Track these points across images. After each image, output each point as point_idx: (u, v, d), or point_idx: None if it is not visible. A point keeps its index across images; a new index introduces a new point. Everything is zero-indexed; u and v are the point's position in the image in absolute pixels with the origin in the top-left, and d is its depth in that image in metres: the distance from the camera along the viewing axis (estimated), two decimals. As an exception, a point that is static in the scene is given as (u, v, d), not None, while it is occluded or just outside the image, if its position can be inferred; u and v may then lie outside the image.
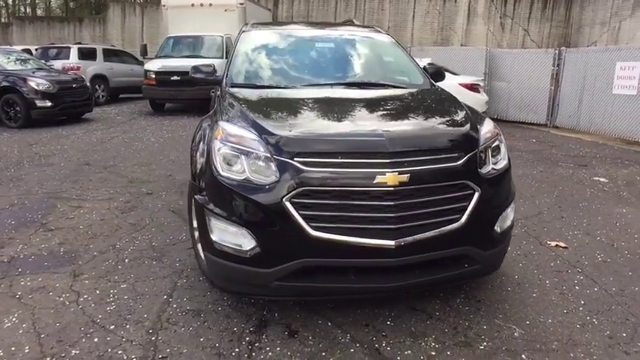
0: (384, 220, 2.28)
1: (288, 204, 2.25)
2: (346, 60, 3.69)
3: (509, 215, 2.74)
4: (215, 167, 2.43)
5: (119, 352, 2.31)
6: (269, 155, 2.34)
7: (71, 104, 9.57)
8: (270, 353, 2.34)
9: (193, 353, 2.32)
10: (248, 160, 2.37)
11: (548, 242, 3.81)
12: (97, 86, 12.71)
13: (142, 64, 14.61)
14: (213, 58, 11.64)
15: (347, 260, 2.32)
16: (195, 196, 2.59)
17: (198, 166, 2.65)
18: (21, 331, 2.47)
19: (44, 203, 4.56)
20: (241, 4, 12.71)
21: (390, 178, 2.26)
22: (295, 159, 2.30)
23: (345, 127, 2.60)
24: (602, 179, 5.92)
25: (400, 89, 3.39)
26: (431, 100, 3.22)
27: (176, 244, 3.65)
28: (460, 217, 2.42)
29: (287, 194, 2.25)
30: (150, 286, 2.97)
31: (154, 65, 11.14)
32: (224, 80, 3.41)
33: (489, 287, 3.06)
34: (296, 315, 2.67)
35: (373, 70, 3.64)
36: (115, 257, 3.38)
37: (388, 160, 2.29)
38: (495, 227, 2.63)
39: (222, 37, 12.14)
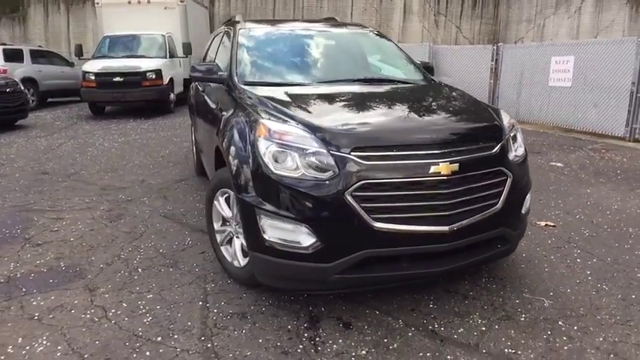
0: (438, 208, 2.38)
1: (349, 198, 2.27)
2: (351, 56, 3.75)
3: (529, 198, 2.94)
4: (267, 166, 2.39)
5: (180, 362, 2.21)
6: (325, 151, 2.33)
7: (4, 110, 8.75)
8: (335, 346, 2.35)
9: (258, 355, 2.27)
10: (301, 156, 2.36)
11: (538, 222, 4.11)
12: (26, 90, 11.69)
13: (72, 65, 13.68)
14: (156, 57, 11.20)
15: (406, 248, 2.38)
16: (242, 197, 2.51)
17: (239, 167, 2.56)
18: (59, 354, 2.27)
19: (17, 217, 4.17)
20: (182, 1, 12.29)
21: (443, 167, 2.36)
22: (352, 153, 2.33)
23: (392, 121, 2.66)
24: (558, 164, 6.45)
25: (409, 84, 3.50)
26: (447, 94, 3.35)
27: (185, 250, 3.50)
28: (498, 201, 2.58)
29: (348, 188, 2.27)
30: (179, 294, 2.84)
31: (93, 66, 10.47)
32: (234, 78, 3.31)
33: (505, 266, 3.26)
34: (342, 307, 2.69)
35: (377, 66, 3.72)
36: (125, 268, 3.19)
37: (439, 151, 2.40)
38: (522, 209, 2.81)
39: (164, 35, 11.68)
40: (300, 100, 2.89)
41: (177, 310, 2.67)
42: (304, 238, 2.35)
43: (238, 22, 4.06)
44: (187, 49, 11.86)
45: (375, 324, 2.55)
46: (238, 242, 2.90)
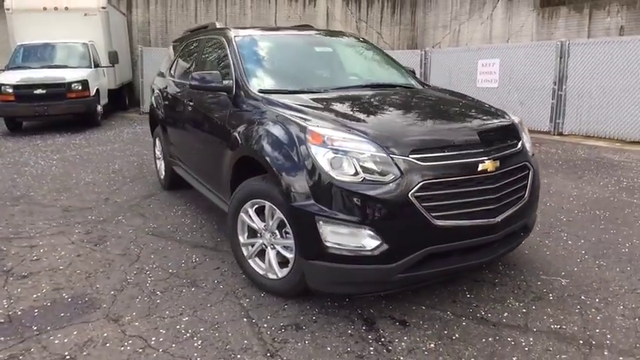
0: (487, 202, 2.53)
1: (412, 198, 2.32)
2: (351, 63, 3.80)
3: (538, 188, 3.19)
4: (326, 173, 2.36)
5: (258, 381, 2.10)
6: (384, 154, 2.36)
7: None
8: (402, 343, 2.39)
9: (335, 362, 2.23)
10: (360, 160, 2.36)
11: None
12: None
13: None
14: (79, 67, 10.38)
15: (463, 242, 2.48)
16: (297, 206, 2.44)
17: (290, 176, 2.49)
18: (119, 391, 2.06)
19: (-20, 249, 3.66)
20: (104, 8, 11.51)
21: (489, 164, 2.51)
22: (411, 156, 2.39)
23: (438, 123, 2.76)
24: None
25: (412, 88, 3.61)
26: (457, 97, 3.51)
27: (196, 267, 3.32)
28: (525, 193, 2.79)
29: (411, 189, 2.32)
30: (216, 313, 2.69)
31: (10, 78, 9.42)
32: (246, 87, 3.18)
33: (512, 253, 3.49)
34: (388, 307, 2.73)
35: (377, 73, 3.81)
36: (140, 292, 2.95)
37: (482, 150, 2.55)
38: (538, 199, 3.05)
39: (87, 44, 10.86)
40: (334, 106, 2.87)
41: (224, 329, 2.53)
42: (368, 241, 2.35)
43: (225, 29, 3.91)
44: (114, 58, 11.14)
45: (427, 318, 2.62)
46: (273, 253, 2.82)
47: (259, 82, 3.25)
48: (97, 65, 10.94)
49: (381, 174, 2.36)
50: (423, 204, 2.35)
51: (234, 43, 3.59)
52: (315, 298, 2.80)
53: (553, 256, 3.46)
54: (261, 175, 2.82)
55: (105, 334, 2.49)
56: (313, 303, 2.77)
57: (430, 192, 2.38)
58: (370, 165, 2.36)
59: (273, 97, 3.00)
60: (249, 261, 2.96)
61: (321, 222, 2.38)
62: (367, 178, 2.35)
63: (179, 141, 4.50)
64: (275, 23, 17.44)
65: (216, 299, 2.85)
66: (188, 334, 2.48)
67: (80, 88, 9.86)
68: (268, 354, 2.31)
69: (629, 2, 11.09)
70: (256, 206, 2.85)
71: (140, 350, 2.35)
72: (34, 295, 2.92)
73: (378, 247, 2.34)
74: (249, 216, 2.89)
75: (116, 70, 12.27)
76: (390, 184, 2.34)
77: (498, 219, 2.56)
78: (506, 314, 2.67)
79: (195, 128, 3.88)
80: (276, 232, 2.77)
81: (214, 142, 3.47)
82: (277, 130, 2.66)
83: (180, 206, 4.78)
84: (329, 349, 2.35)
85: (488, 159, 2.51)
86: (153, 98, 5.42)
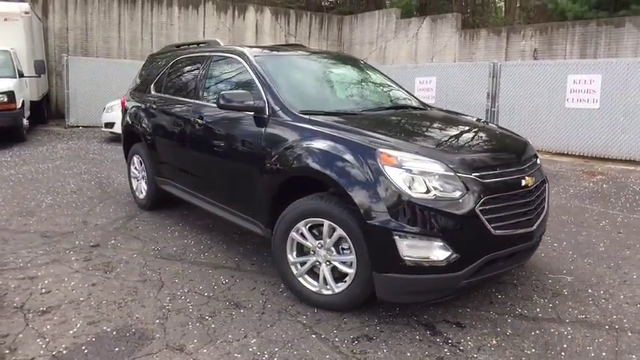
0: (527, 213, 2.86)
1: (478, 212, 2.56)
2: (365, 85, 3.99)
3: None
4: (403, 191, 2.53)
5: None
6: (453, 174, 2.57)
7: None
8: (470, 342, 2.62)
9: (423, 368, 2.38)
10: (432, 179, 2.56)
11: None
12: None
13: None
14: (3, 77, 9.42)
15: (512, 248, 2.76)
16: (374, 223, 2.56)
17: (365, 196, 2.60)
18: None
19: (-29, 285, 3.26)
20: (26, 13, 10.56)
21: (529, 180, 2.87)
22: (473, 174, 2.64)
23: (486, 144, 3.05)
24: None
25: (424, 110, 3.88)
26: (469, 118, 3.82)
27: (231, 289, 3.27)
28: (546, 204, 3.16)
29: (477, 204, 2.56)
30: (282, 332, 2.71)
31: None
32: (285, 108, 3.22)
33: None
34: (438, 312, 2.94)
35: (390, 94, 4.04)
36: (188, 319, 2.85)
37: (522, 167, 2.92)
38: (547, 209, 3.46)
39: (10, 52, 9.89)
40: (381, 128, 3.03)
41: (299, 347, 2.56)
42: (440, 253, 2.54)
43: (238, 47, 3.87)
44: (40, 67, 10.26)
45: (476, 319, 2.87)
46: (328, 270, 2.89)
47: (293, 102, 3.30)
48: (21, 75, 10.00)
49: (450, 191, 2.57)
50: (485, 216, 2.60)
51: (254, 62, 3.60)
52: (369, 309, 2.92)
53: (548, 257, 3.90)
54: (316, 195, 2.90)
55: (179, 365, 2.40)
56: (369, 314, 2.89)
57: (489, 206, 2.65)
58: (440, 183, 2.57)
59: (319, 118, 3.09)
60: (299, 279, 3.00)
61: (397, 237, 2.52)
62: (439, 195, 2.54)
63: (176, 160, 4.35)
64: (203, 35, 17.09)
65: (272, 319, 2.86)
66: (266, 356, 2.48)
67: (5, 100, 8.94)
68: (356, 367, 2.40)
69: (542, 28, 12.57)
70: (309, 225, 2.91)
71: (226, 377, 2.31)
72: (71, 332, 2.69)
73: (448, 257, 2.55)
74: (302, 234, 2.94)
75: (39, 80, 11.28)
76: (460, 200, 2.56)
77: (534, 227, 2.90)
78: (538, 310, 3.01)
79: (209, 147, 3.80)
80: (333, 249, 2.85)
81: (241, 163, 3.46)
82: (341, 151, 2.76)
83: (173, 226, 4.60)
84: (408, 354, 2.50)
85: (527, 175, 2.87)
86: (130, 115, 5.15)
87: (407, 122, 3.37)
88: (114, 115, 10.00)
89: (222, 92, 3.36)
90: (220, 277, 3.45)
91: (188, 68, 4.44)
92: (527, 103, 9.19)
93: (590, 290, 3.30)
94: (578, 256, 3.94)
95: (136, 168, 5.21)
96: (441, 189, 2.56)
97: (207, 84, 4.04)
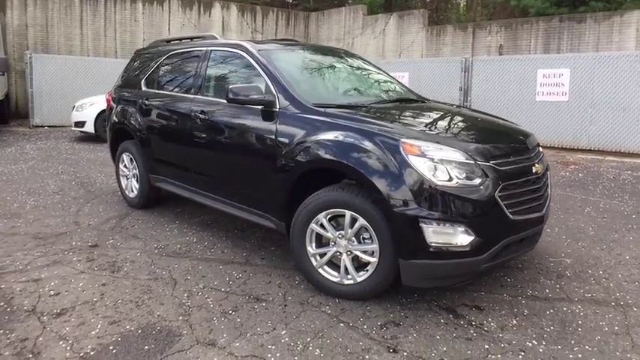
0: (537, 198, 3.00)
1: (497, 198, 2.66)
2: (366, 78, 4.03)
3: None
4: (428, 179, 2.60)
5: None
6: (472, 161, 2.66)
7: None
8: (492, 324, 2.72)
9: (453, 347, 2.48)
10: (454, 168, 2.64)
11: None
12: None
13: None
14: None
15: (527, 232, 2.89)
16: (401, 211, 2.62)
17: (391, 185, 2.65)
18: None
19: (-28, 291, 3.10)
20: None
21: (538, 167, 3.01)
22: (491, 162, 2.74)
23: (500, 133, 3.14)
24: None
25: (429, 101, 3.97)
26: (468, 109, 3.94)
27: (247, 283, 3.25)
28: (549, 191, 3.31)
29: (496, 190, 2.67)
30: (310, 323, 2.73)
31: None
32: (297, 101, 3.22)
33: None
34: (456, 297, 3.04)
35: (391, 87, 4.11)
36: (211, 315, 2.82)
37: (531, 155, 3.05)
38: (548, 195, 3.62)
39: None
40: (398, 119, 3.10)
41: (330, 336, 2.59)
42: (463, 238, 2.63)
43: (240, 42, 3.82)
44: (4, 65, 9.78)
45: (492, 301, 2.99)
46: (349, 259, 2.93)
47: (305, 96, 3.30)
48: (-18, 73, 9.52)
49: (471, 178, 2.66)
50: (503, 202, 2.71)
51: (259, 56, 3.57)
52: (388, 297, 2.99)
53: (545, 242, 4.08)
54: (337, 186, 2.93)
55: (215, 359, 2.38)
56: (390, 302, 2.95)
57: (506, 192, 2.76)
58: (461, 171, 2.66)
59: (334, 110, 3.12)
60: (319, 270, 3.02)
61: (423, 224, 2.59)
62: (461, 182, 2.63)
63: (174, 156, 4.26)
64: (169, 31, 16.70)
65: (297, 311, 2.87)
66: (300, 346, 2.49)
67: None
68: (391, 350, 2.45)
69: (507, 24, 13.01)
70: (329, 216, 2.94)
71: (265, 368, 2.31)
72: (93, 333, 2.62)
73: (472, 241, 2.64)
74: (322, 226, 2.96)
75: (1, 79, 10.74)
76: (480, 187, 2.66)
77: (544, 211, 3.04)
78: (547, 290, 3.16)
79: (212, 142, 3.75)
80: (354, 238, 2.89)
81: (250, 157, 3.44)
82: (364, 143, 2.79)
83: (170, 224, 4.52)
84: (438, 337, 2.58)
85: (536, 162, 3.01)
86: (118, 112, 5.00)
87: (417, 114, 3.45)
88: (85, 113, 9.66)
89: (231, 86, 3.33)
90: (233, 273, 3.42)
91: (184, 63, 4.35)
92: (498, 96, 9.51)
93: (590, 271, 3.49)
94: (572, 240, 4.14)
95: (125, 166, 5.07)
96: (463, 176, 2.65)
97: (208, 79, 3.98)
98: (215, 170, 3.84)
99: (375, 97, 3.83)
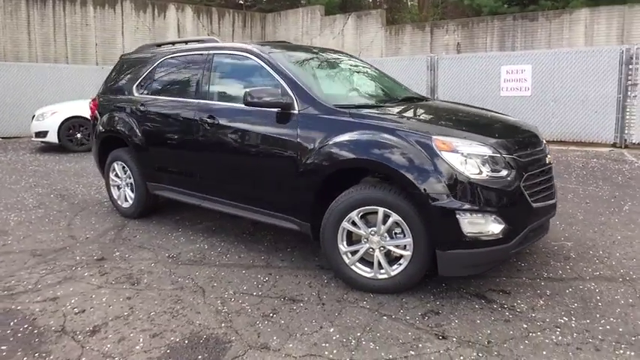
0: (549, 188, 3.21)
1: (522, 188, 2.84)
2: (371, 79, 4.12)
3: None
4: (462, 174, 2.74)
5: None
6: (498, 155, 2.81)
7: None
8: (523, 305, 2.89)
9: (495, 328, 2.62)
10: (483, 161, 2.79)
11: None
12: None
13: None
14: None
15: (544, 218, 3.10)
16: (439, 205, 2.73)
17: (427, 180, 2.76)
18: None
19: (-13, 314, 2.93)
20: None
21: (549, 158, 3.20)
22: (514, 154, 2.91)
23: (517, 128, 3.31)
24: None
25: (429, 100, 4.12)
26: (472, 106, 4.11)
27: (277, 285, 3.26)
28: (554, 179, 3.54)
29: (521, 180, 2.84)
30: (354, 319, 2.79)
31: None
32: (319, 103, 3.25)
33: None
34: (480, 283, 3.20)
35: (396, 86, 4.22)
36: (252, 319, 2.81)
37: (542, 147, 3.26)
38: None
39: None
40: (421, 117, 3.20)
41: (377, 329, 2.66)
42: (495, 226, 2.78)
43: (248, 45, 3.79)
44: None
45: (515, 285, 3.17)
46: (382, 255, 3.01)
47: (324, 97, 3.33)
48: None
49: (498, 171, 2.81)
50: (527, 191, 2.88)
51: (272, 59, 3.57)
52: (419, 288, 3.09)
53: (542, 226, 4.34)
54: (368, 184, 3.01)
55: (273, 361, 2.39)
56: (422, 293, 3.06)
57: (528, 182, 2.94)
58: (489, 164, 2.81)
59: (357, 111, 3.19)
60: (352, 267, 3.08)
61: (459, 215, 2.72)
62: (489, 175, 2.78)
63: (178, 162, 4.17)
64: (122, 36, 16.15)
65: (336, 308, 2.92)
66: (353, 341, 2.55)
67: None
68: (440, 337, 2.56)
69: (463, 23, 13.55)
70: (361, 214, 3.00)
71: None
72: (137, 347, 2.55)
73: (503, 230, 2.79)
74: (354, 223, 3.02)
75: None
76: (508, 178, 2.82)
77: (555, 199, 3.25)
78: (560, 272, 3.38)
79: (224, 147, 3.71)
80: (386, 234, 2.98)
81: (269, 160, 3.44)
82: (396, 141, 2.88)
83: (174, 232, 4.42)
84: (478, 321, 2.71)
85: (547, 154, 3.21)
86: (108, 120, 4.82)
87: (431, 111, 3.58)
88: (46, 123, 9.19)
89: (248, 89, 3.32)
90: (258, 276, 3.41)
91: (183, 67, 4.26)
92: (464, 93, 9.90)
93: (591, 252, 3.75)
94: (566, 225, 4.42)
95: (117, 175, 4.90)
96: (491, 169, 2.80)
97: (214, 83, 3.93)
98: (228, 175, 3.80)
99: (385, 96, 3.93)
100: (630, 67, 8.10)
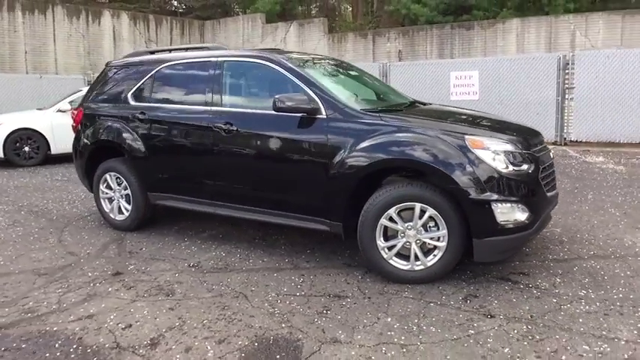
0: (553, 180, 3.59)
1: (540, 179, 3.20)
2: (378, 86, 4.36)
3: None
4: (493, 168, 3.05)
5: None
6: (520, 151, 3.15)
7: None
8: (544, 284, 3.24)
9: (532, 305, 2.92)
10: (508, 157, 3.11)
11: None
12: None
13: None
14: None
15: (553, 206, 3.49)
16: (477, 197, 3.00)
17: (465, 176, 3.02)
18: None
19: (35, 339, 2.75)
20: None
21: (553, 153, 3.59)
22: (532, 150, 3.26)
23: (518, 128, 3.67)
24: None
25: (430, 104, 4.41)
26: (472, 109, 4.45)
27: (315, 285, 3.36)
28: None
29: (538, 173, 3.21)
30: (404, 308, 2.97)
31: None
32: (347, 108, 3.42)
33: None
34: (499, 269, 3.51)
35: (397, 93, 4.47)
36: (308, 317, 2.90)
37: (545, 144, 3.61)
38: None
39: None
40: (442, 119, 3.47)
41: (430, 316, 2.86)
42: (522, 214, 3.10)
43: (262, 54, 3.84)
44: None
45: (531, 267, 3.53)
46: (418, 247, 3.23)
47: (348, 101, 3.51)
48: None
49: (521, 165, 3.14)
50: (542, 182, 3.24)
51: (293, 66, 3.68)
52: (447, 278, 3.33)
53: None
54: (405, 182, 3.22)
55: (359, 354, 2.50)
56: (454, 280, 3.31)
57: (543, 174, 3.30)
58: (514, 159, 3.13)
59: (386, 114, 3.40)
60: (390, 261, 3.27)
61: (493, 206, 3.01)
62: (514, 168, 3.10)
63: (190, 171, 4.12)
64: (54, 43, 15.19)
65: (383, 300, 3.08)
66: (414, 327, 2.73)
67: None
68: (488, 316, 2.82)
69: (404, 31, 14.26)
70: (399, 210, 3.20)
71: (407, 350, 2.51)
72: (209, 355, 2.55)
73: (528, 217, 3.12)
74: (391, 219, 3.21)
75: None
76: (529, 171, 3.16)
77: (557, 190, 3.65)
78: (561, 254, 3.80)
79: (247, 154, 3.75)
80: (421, 228, 3.20)
81: (299, 164, 3.54)
82: (432, 141, 3.12)
83: (180, 242, 4.35)
84: (515, 300, 3.01)
85: (550, 150, 3.60)
86: (96, 130, 4.62)
87: (447, 114, 3.87)
88: (-11, 136, 8.47)
89: (278, 95, 3.41)
90: (292, 278, 3.49)
91: (189, 75, 4.21)
92: (417, 97, 10.43)
93: (578, 235, 4.23)
94: (553, 213, 4.90)
95: (108, 187, 4.71)
96: (515, 163, 3.12)
97: (229, 90, 3.94)
98: (249, 181, 3.82)
99: (394, 101, 4.16)
100: (567, 72, 9.07)
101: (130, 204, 4.59)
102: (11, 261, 4.00)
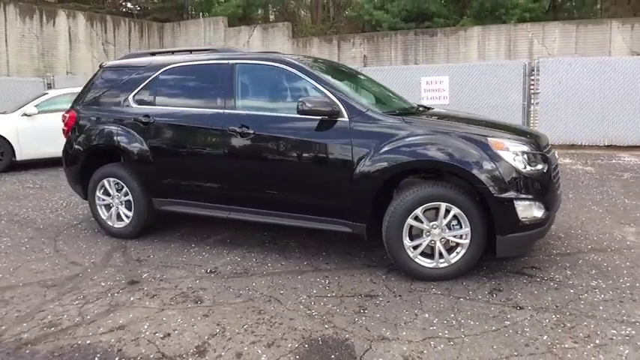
0: (559, 179, 3.84)
1: (553, 178, 3.43)
2: (385, 90, 4.46)
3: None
4: (517, 169, 3.22)
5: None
6: (535, 152, 3.35)
7: None
8: (558, 276, 3.45)
9: (552, 295, 3.11)
10: (526, 157, 3.30)
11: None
12: None
13: None
14: None
15: (559, 204, 3.73)
16: (503, 196, 3.16)
17: (490, 176, 3.18)
18: None
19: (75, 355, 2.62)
20: None
21: (557, 155, 3.83)
22: (544, 151, 3.47)
23: (526, 131, 3.88)
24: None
25: (432, 109, 4.57)
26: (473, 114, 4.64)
27: (342, 286, 3.41)
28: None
29: (551, 172, 3.43)
30: (438, 303, 3.08)
31: None
32: (366, 110, 3.50)
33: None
34: (511, 264, 3.70)
35: (403, 97, 4.60)
36: (350, 318, 2.95)
37: (551, 146, 3.85)
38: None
39: None
40: (460, 122, 3.62)
41: (464, 308, 2.98)
42: (539, 211, 3.31)
43: (277, 56, 3.86)
44: None
45: (541, 262, 3.75)
46: (442, 245, 3.35)
47: (367, 106, 3.60)
48: None
49: (537, 165, 3.34)
50: (553, 180, 3.47)
51: (310, 69, 3.72)
52: (468, 274, 3.48)
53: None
54: (431, 183, 3.34)
55: (411, 349, 2.58)
56: (473, 277, 3.45)
57: (553, 173, 3.52)
58: (531, 159, 3.33)
59: (407, 117, 3.52)
60: (415, 260, 3.38)
61: (516, 204, 3.19)
62: (532, 168, 3.30)
63: (202, 175, 4.05)
64: (6, 43, 14.29)
65: (414, 297, 3.18)
66: (454, 321, 2.84)
67: None
68: (518, 308, 2.99)
69: (369, 37, 14.56)
70: (424, 211, 3.32)
71: (454, 343, 2.61)
72: (263, 358, 2.54)
73: (544, 213, 3.32)
74: (417, 219, 3.32)
75: None
76: (544, 171, 3.36)
77: (561, 190, 3.90)
78: (563, 249, 4.05)
79: (268, 157, 3.74)
80: (445, 227, 3.33)
81: (324, 168, 3.59)
82: (456, 143, 3.26)
83: (189, 248, 4.26)
84: (536, 292, 3.20)
85: (555, 151, 3.85)
86: (94, 134, 4.43)
87: (460, 118, 4.03)
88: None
89: (302, 98, 3.44)
90: (318, 280, 3.52)
91: (198, 78, 4.14)
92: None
93: (572, 231, 4.52)
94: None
95: (106, 193, 4.53)
96: (532, 163, 3.32)
97: (244, 93, 3.91)
98: (268, 185, 3.80)
99: (402, 104, 4.28)
100: (532, 78, 9.61)
101: (130, 210, 4.44)
102: (10, 273, 3.78)
